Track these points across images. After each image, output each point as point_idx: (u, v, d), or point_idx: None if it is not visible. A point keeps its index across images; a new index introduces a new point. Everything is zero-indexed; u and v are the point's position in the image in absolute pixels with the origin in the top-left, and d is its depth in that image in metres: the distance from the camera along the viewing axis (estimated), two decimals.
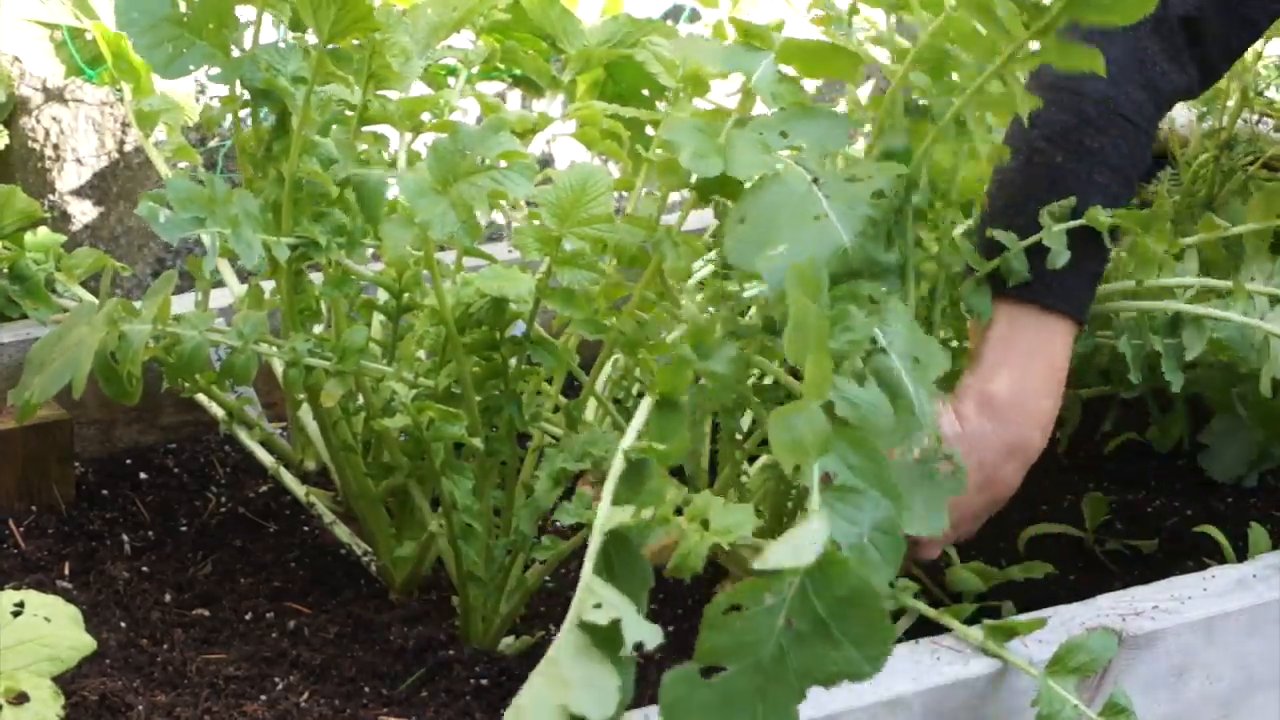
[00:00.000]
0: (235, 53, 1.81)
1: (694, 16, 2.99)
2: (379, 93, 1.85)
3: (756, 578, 1.22)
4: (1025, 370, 1.73)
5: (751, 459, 1.98)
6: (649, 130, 2.17)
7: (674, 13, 2.96)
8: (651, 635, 1.22)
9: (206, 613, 1.93)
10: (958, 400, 1.71)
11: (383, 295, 1.89)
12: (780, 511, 1.88)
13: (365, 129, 1.88)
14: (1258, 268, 1.92)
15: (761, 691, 1.24)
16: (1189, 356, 1.88)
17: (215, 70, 1.80)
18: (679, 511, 1.59)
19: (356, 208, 1.79)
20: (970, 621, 1.64)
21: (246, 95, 1.85)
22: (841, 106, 1.89)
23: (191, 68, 1.80)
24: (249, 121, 1.86)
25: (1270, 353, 1.86)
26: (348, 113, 1.86)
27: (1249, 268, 1.92)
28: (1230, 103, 2.60)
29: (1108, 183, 1.75)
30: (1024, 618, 1.64)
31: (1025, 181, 1.77)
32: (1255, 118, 2.66)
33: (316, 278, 1.89)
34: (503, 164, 1.63)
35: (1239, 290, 1.87)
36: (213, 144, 2.62)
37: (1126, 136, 1.76)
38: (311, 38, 1.76)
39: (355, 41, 1.77)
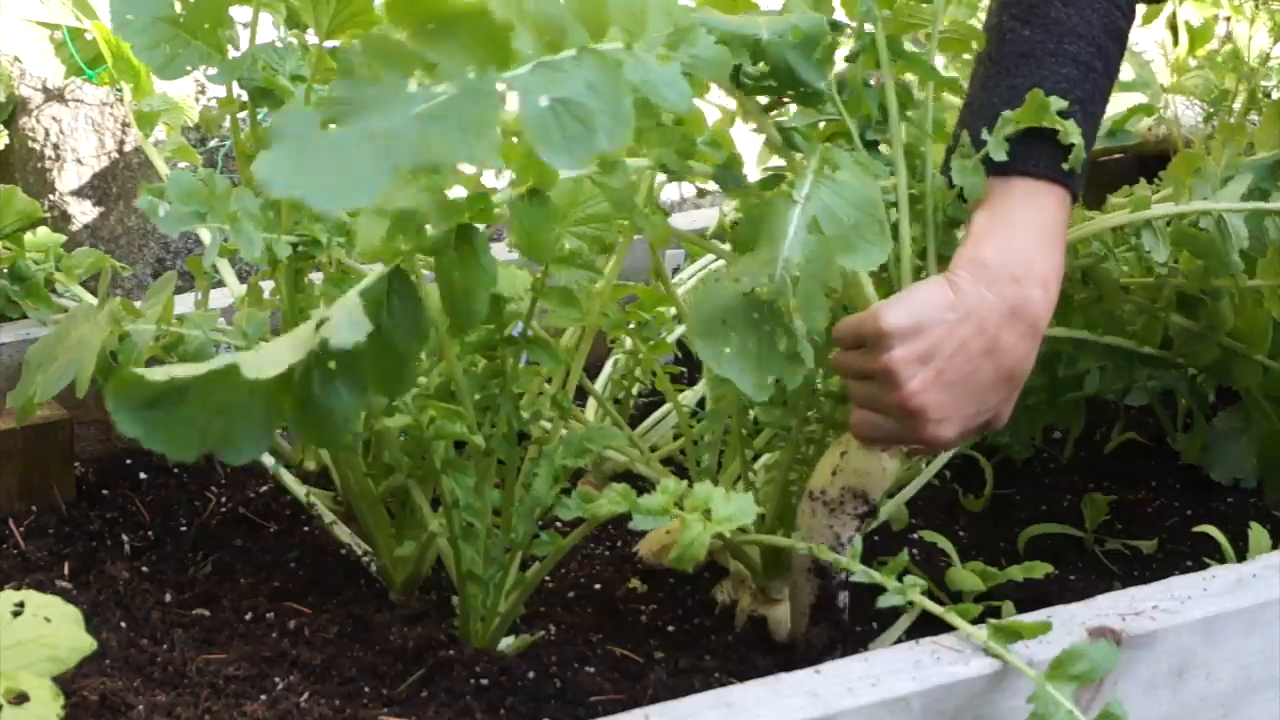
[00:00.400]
0: (232, 53, 1.81)
1: None
2: None
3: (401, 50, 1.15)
4: (1013, 233, 1.71)
5: (755, 458, 1.98)
6: None
7: None
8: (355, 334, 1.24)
9: (206, 613, 1.93)
10: (950, 272, 1.69)
11: None
12: (784, 509, 1.88)
13: None
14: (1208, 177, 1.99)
15: (372, 156, 1.13)
16: (1158, 259, 1.90)
17: (213, 71, 1.80)
18: (680, 505, 1.60)
19: None
20: (974, 622, 1.64)
21: (244, 96, 1.85)
22: None
23: (189, 68, 1.80)
24: (247, 123, 1.86)
25: (1229, 230, 1.89)
26: None
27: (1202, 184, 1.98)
28: (1237, 104, 2.60)
29: (1077, 51, 1.76)
30: (1029, 620, 1.64)
31: (998, 58, 1.78)
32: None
33: (317, 278, 1.89)
34: None
35: (1179, 191, 1.91)
36: (213, 144, 2.62)
37: (1095, 6, 1.78)
38: (310, 36, 1.76)
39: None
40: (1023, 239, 1.71)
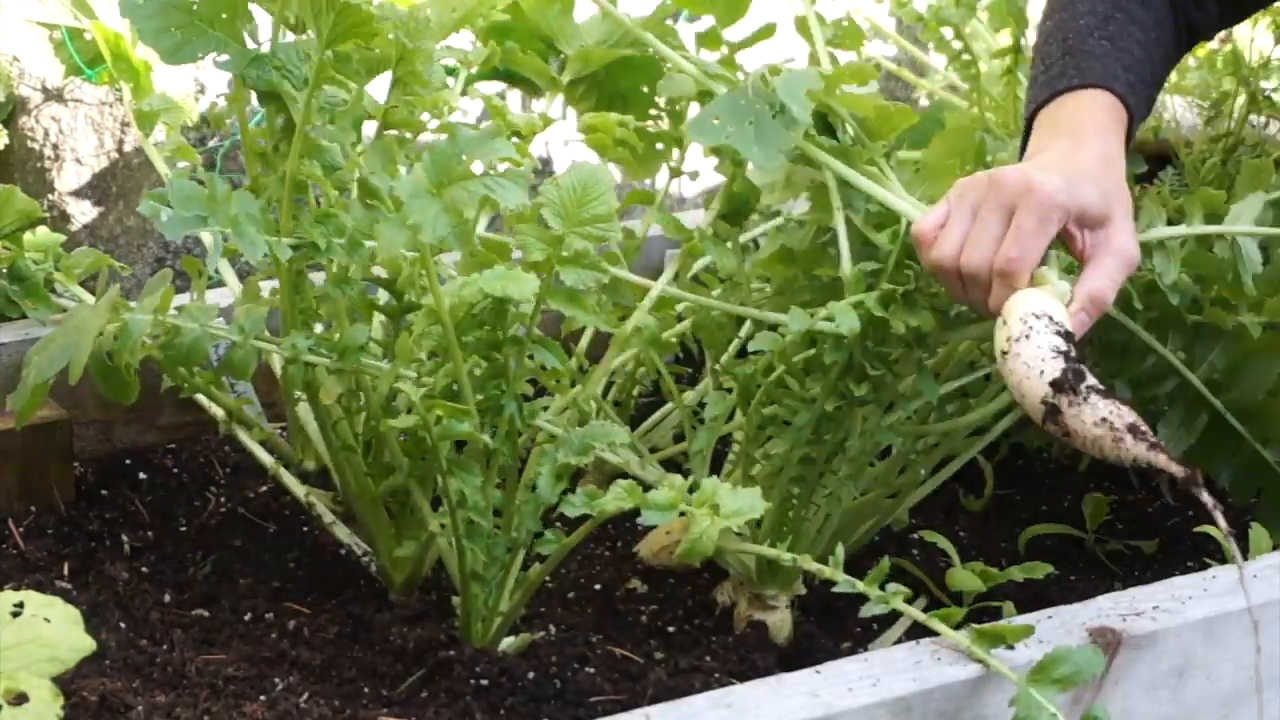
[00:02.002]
0: (250, 44, 1.79)
1: (692, 17, 2.98)
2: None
3: None
4: (1066, 140, 1.76)
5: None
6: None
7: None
8: None
9: (206, 613, 1.93)
10: None
11: (383, 295, 1.90)
12: (781, 518, 1.88)
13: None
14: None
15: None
16: (1166, 280, 1.88)
17: (223, 58, 1.78)
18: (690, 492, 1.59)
19: (360, 210, 1.79)
20: (971, 620, 1.64)
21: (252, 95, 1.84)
22: None
23: (200, 55, 1.78)
24: (254, 119, 1.85)
25: (1242, 253, 1.88)
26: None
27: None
28: (1238, 103, 2.59)
29: (1090, 8, 1.88)
30: (1013, 623, 1.63)
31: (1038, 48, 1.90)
32: (1263, 121, 2.65)
33: (319, 278, 1.89)
34: (499, 169, 1.64)
35: (1193, 209, 1.90)
36: (212, 144, 2.62)
37: None
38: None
39: (371, 48, 1.77)
40: (1076, 145, 1.75)
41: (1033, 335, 1.61)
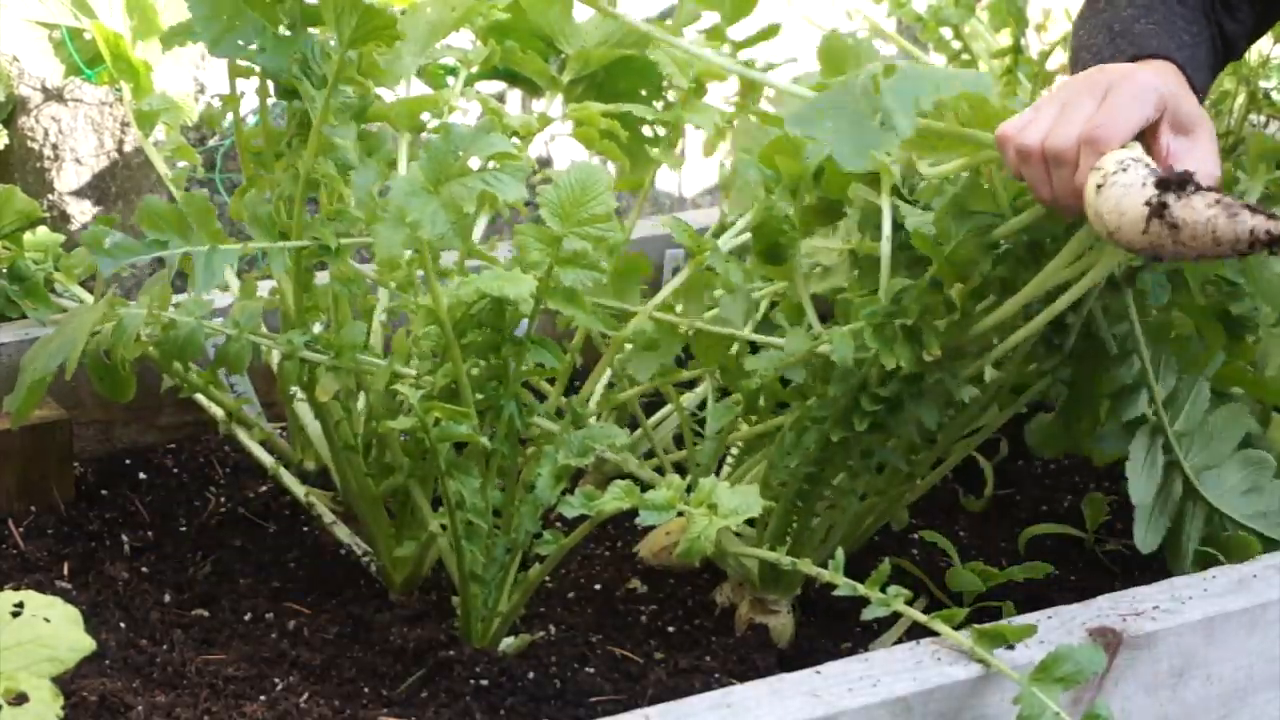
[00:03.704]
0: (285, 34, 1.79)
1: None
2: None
3: None
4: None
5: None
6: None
7: (671, 12, 2.96)
8: None
9: (206, 613, 1.93)
10: None
11: (384, 296, 1.90)
12: (784, 525, 1.88)
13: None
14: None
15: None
16: (1158, 301, 1.86)
17: (255, 46, 1.78)
18: (688, 492, 1.59)
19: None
20: (972, 620, 1.64)
21: (245, 93, 1.83)
22: None
23: (240, 43, 1.77)
24: (249, 119, 1.86)
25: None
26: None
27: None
28: (1238, 103, 2.60)
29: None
30: (1015, 623, 1.63)
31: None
32: (1263, 120, 2.65)
33: (321, 277, 1.89)
34: (494, 165, 1.64)
35: None
36: (212, 143, 2.62)
37: None
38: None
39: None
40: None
41: (1130, 169, 1.55)
